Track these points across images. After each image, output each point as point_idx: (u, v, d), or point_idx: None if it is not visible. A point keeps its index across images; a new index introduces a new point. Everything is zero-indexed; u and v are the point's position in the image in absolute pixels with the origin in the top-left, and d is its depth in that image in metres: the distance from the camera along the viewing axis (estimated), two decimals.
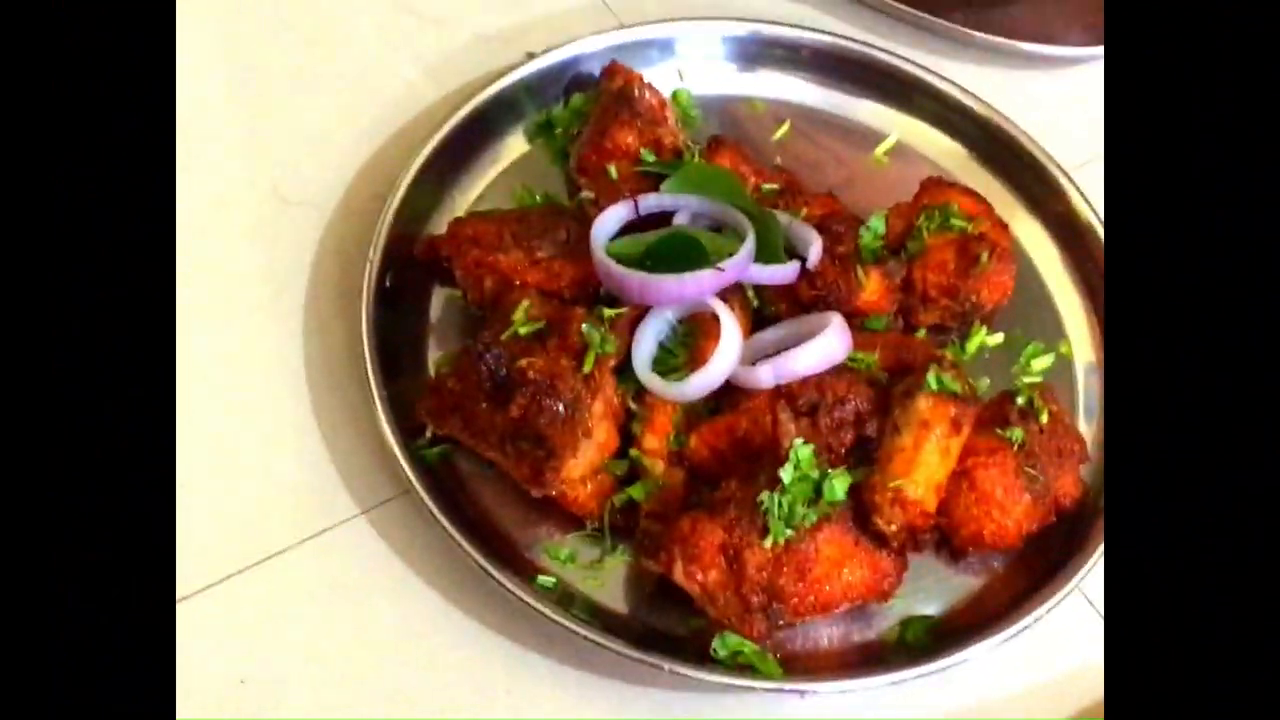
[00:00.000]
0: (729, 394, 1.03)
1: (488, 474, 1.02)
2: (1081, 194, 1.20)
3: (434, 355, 1.09)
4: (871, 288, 1.09)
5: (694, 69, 1.26)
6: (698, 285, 1.03)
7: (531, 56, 1.22)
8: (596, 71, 1.21)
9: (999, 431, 1.01)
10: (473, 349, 1.01)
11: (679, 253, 1.05)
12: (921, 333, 1.12)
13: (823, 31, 1.28)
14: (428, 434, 1.02)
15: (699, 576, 0.94)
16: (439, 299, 1.12)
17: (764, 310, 1.09)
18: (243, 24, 1.26)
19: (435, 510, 0.97)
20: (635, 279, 1.03)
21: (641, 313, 1.05)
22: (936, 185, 1.16)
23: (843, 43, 1.27)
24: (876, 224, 1.12)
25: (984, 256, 1.10)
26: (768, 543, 0.93)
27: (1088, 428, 1.12)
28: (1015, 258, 1.14)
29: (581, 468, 0.99)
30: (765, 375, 1.02)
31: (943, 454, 0.98)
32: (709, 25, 1.27)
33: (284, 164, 1.18)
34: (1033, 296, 1.18)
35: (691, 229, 1.09)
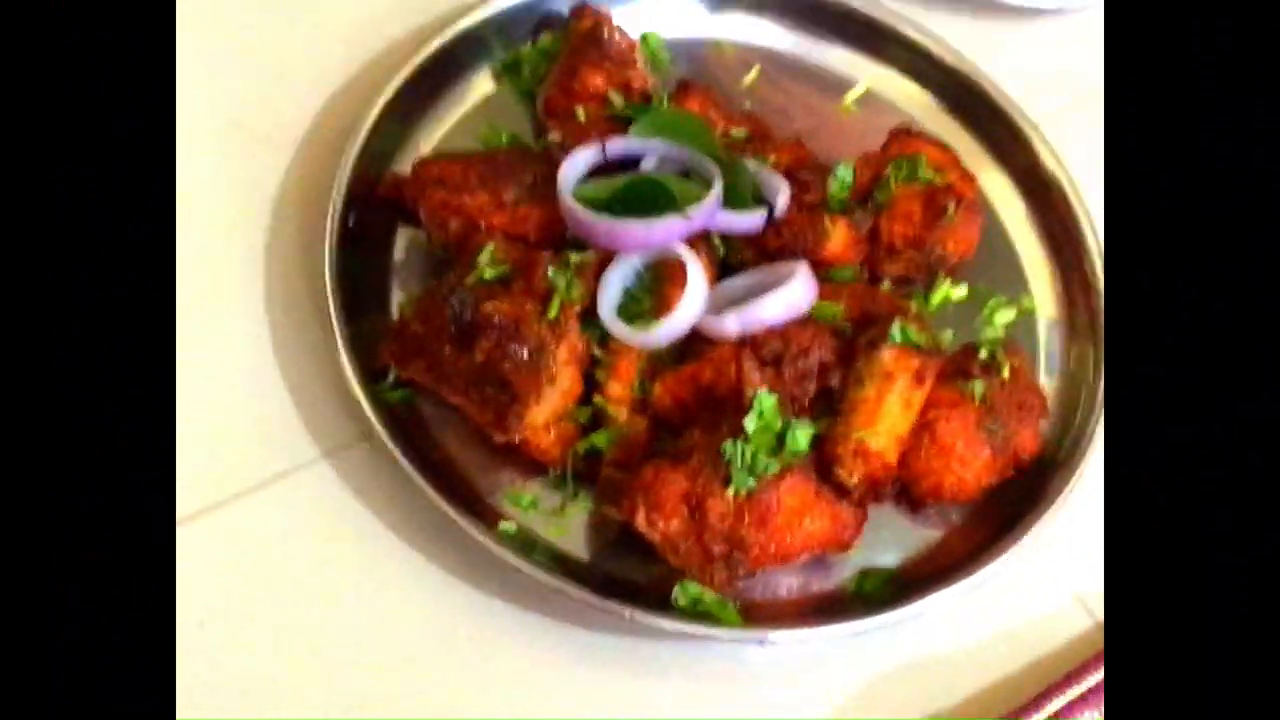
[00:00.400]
0: (694, 342, 1.03)
1: (451, 418, 1.02)
2: (1049, 147, 1.20)
3: (398, 297, 1.08)
4: (838, 237, 1.08)
5: (663, 10, 1.24)
6: (666, 231, 1.02)
7: None
8: (565, 11, 1.19)
9: (961, 384, 1.02)
10: (437, 292, 1.00)
11: (647, 198, 1.04)
12: (886, 285, 1.12)
13: None
14: (390, 377, 1.01)
15: (661, 525, 0.94)
16: (403, 239, 1.10)
17: (730, 258, 1.09)
18: None
19: (397, 454, 0.97)
20: (602, 224, 1.02)
21: (608, 258, 1.04)
22: (905, 135, 1.16)
23: None
24: (845, 173, 1.12)
25: (950, 208, 1.10)
26: (730, 492, 0.94)
27: (1049, 382, 1.12)
28: (981, 210, 1.14)
29: (545, 414, 0.99)
30: (731, 324, 1.01)
31: (905, 406, 0.99)
32: None
33: (244, 96, 1.16)
34: (997, 250, 1.18)
35: (659, 174, 1.08)
